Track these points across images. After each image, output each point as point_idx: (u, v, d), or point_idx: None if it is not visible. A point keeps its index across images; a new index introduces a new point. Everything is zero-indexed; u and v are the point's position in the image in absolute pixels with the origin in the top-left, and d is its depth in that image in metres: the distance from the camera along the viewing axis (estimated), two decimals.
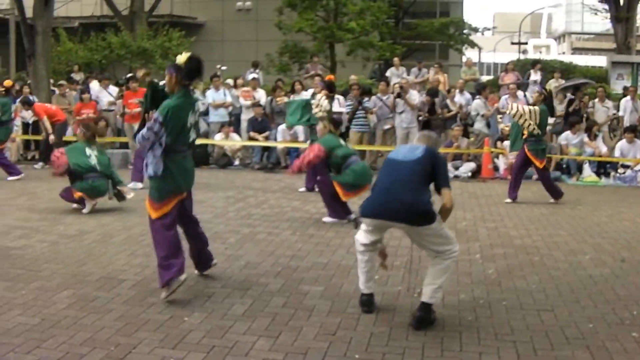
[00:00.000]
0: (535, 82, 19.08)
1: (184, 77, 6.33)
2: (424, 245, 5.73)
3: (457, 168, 15.34)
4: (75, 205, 10.56)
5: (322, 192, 10.16)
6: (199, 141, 16.55)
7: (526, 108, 11.76)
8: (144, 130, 6.20)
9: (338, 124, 9.58)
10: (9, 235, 8.76)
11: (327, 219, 9.93)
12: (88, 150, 10.51)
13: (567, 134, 15.74)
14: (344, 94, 17.43)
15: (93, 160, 10.43)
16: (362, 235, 5.95)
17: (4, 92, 15.00)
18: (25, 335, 5.30)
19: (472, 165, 15.41)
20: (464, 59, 32.98)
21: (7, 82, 15.30)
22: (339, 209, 9.86)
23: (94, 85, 19.19)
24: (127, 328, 5.48)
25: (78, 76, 22.46)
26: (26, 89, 18.21)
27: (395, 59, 22.71)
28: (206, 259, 7.01)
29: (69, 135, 16.69)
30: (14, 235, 8.73)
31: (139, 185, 12.30)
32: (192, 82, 6.47)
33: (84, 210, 10.37)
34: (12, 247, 8.03)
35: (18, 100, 16.43)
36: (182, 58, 6.35)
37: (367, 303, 5.95)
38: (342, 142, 9.76)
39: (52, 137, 15.53)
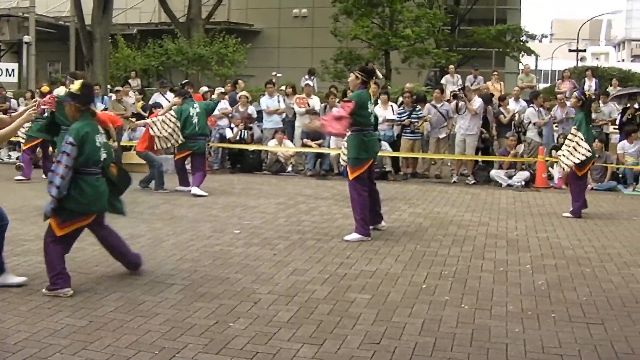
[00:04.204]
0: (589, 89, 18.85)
1: (81, 103, 6.74)
2: None
3: (510, 177, 15.13)
4: None
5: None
6: (253, 147, 17.00)
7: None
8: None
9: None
10: None
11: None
12: None
13: (624, 143, 15.43)
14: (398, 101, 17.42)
15: None
16: None
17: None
18: (72, 337, 5.39)
19: (525, 174, 15.17)
20: (522, 66, 32.67)
21: (45, 88, 15.51)
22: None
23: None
24: (172, 332, 5.52)
25: (135, 82, 22.78)
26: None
27: (451, 67, 22.64)
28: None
29: (124, 141, 16.93)
30: None
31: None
32: (88, 106, 6.83)
33: None
34: None
35: None
36: (75, 86, 6.78)
37: None
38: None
39: (115, 144, 15.69)
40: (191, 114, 13.00)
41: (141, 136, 14.24)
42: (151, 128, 13.07)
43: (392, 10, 26.77)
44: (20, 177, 14.78)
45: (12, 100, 22.70)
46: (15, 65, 21.96)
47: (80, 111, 6.71)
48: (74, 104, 6.70)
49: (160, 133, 12.97)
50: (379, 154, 10.78)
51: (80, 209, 6.61)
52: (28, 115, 6.50)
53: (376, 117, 10.47)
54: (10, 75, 21.20)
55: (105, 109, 17.72)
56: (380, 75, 10.20)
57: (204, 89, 18.12)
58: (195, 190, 12.79)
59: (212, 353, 5.12)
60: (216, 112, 16.79)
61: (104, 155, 6.76)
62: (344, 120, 9.06)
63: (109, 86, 22.78)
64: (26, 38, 29.52)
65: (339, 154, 13.60)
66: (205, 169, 13.48)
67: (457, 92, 16.37)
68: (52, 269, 6.51)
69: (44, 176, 14.78)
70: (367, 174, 9.38)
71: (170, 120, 13.00)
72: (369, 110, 9.37)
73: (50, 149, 14.87)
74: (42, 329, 5.55)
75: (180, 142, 13.10)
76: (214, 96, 14.38)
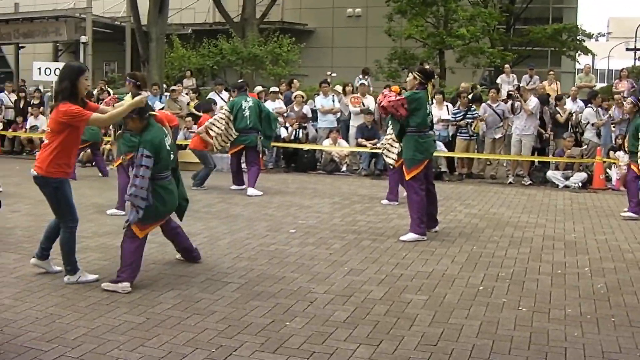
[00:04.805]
0: None
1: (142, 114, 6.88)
2: None
3: (567, 178, 14.92)
4: None
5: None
6: (307, 146, 17.02)
7: None
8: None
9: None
10: (119, 235, 9.01)
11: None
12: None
13: None
14: (453, 101, 17.29)
15: None
16: None
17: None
18: (130, 333, 5.46)
19: (583, 175, 14.95)
20: (579, 66, 32.16)
21: None
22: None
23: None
24: (229, 330, 5.55)
25: (190, 82, 22.98)
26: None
27: (506, 66, 22.43)
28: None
29: (180, 139, 17.08)
30: None
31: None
32: (149, 113, 6.96)
33: None
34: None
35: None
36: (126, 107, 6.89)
37: None
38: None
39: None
40: (243, 107, 13.05)
41: (195, 134, 14.37)
42: (210, 130, 13.17)
43: (447, 9, 26.59)
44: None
45: None
46: None
47: (144, 120, 6.87)
48: (137, 118, 6.86)
49: (220, 130, 13.07)
50: (434, 154, 10.67)
51: (160, 214, 6.94)
52: (140, 100, 6.80)
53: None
54: None
55: (162, 108, 17.89)
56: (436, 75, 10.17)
57: (259, 88, 18.24)
58: (250, 190, 12.81)
59: (269, 352, 5.14)
60: (271, 110, 16.88)
61: (172, 156, 6.95)
62: (395, 102, 9.16)
63: (164, 86, 23.00)
64: (83, 38, 29.95)
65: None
66: (259, 163, 13.56)
67: (513, 92, 16.21)
68: (124, 261, 6.70)
69: (100, 175, 15.02)
70: (424, 174, 9.34)
71: (224, 115, 13.09)
72: (427, 110, 9.32)
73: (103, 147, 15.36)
74: (101, 325, 5.63)
75: (234, 136, 13.16)
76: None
